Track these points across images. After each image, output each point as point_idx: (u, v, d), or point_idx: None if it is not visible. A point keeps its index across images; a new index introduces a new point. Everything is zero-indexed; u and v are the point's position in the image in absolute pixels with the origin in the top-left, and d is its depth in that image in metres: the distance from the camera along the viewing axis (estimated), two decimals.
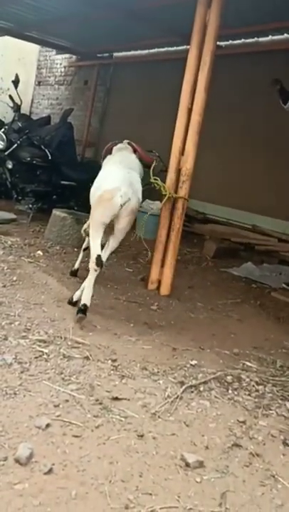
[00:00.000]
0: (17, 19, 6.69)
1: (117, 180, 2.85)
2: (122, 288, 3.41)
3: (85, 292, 2.67)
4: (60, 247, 4.09)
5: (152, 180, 3.46)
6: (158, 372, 2.14)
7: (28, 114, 8.62)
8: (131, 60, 7.50)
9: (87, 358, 2.16)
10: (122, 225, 2.87)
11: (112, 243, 2.93)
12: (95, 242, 2.74)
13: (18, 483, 1.33)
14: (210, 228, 5.89)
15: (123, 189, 2.80)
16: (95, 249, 2.71)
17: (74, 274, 3.41)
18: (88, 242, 3.10)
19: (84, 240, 3.35)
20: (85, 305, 2.60)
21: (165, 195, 3.33)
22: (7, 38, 7.81)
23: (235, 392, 2.06)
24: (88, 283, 2.68)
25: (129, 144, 3.41)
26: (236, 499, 1.43)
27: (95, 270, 2.68)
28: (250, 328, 3.03)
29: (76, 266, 3.40)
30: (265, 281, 4.26)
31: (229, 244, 5.36)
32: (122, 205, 2.76)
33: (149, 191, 3.73)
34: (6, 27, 7.24)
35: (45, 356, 2.09)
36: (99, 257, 2.67)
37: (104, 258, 2.79)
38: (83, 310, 2.59)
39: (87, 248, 3.14)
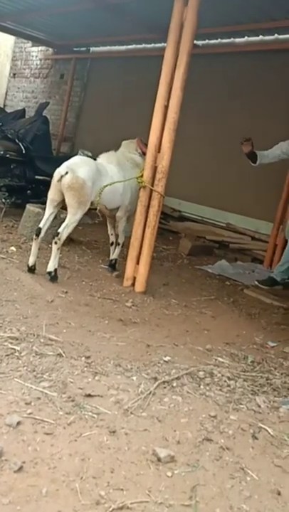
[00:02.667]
0: None
1: (65, 163, 3.29)
2: (97, 285, 3.40)
3: (50, 261, 3.25)
4: None
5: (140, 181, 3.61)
6: (131, 368, 2.14)
7: (1, 106, 8.43)
8: (108, 55, 7.45)
9: (60, 355, 2.14)
10: (67, 200, 3.23)
11: (67, 218, 3.27)
12: (44, 216, 3.38)
13: None
14: (185, 226, 5.95)
15: (62, 167, 3.23)
16: (41, 222, 3.36)
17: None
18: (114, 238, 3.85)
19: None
20: (50, 272, 3.22)
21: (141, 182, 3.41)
22: None
23: (207, 388, 2.09)
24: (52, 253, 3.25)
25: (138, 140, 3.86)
26: (206, 492, 1.46)
27: (55, 243, 3.21)
28: (223, 325, 3.09)
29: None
30: (239, 278, 4.34)
31: (204, 242, 5.44)
32: (58, 181, 3.21)
33: None
34: None
35: (17, 354, 2.06)
36: (38, 229, 3.33)
37: (60, 230, 3.23)
38: (52, 276, 3.22)
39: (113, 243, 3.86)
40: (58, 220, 3.53)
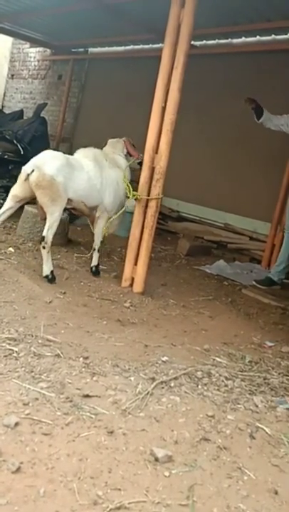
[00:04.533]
0: None
1: (32, 160, 3.23)
2: (96, 285, 3.41)
3: (43, 265, 3.25)
4: (33, 243, 4.03)
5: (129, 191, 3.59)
6: (129, 369, 2.15)
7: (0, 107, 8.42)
8: (106, 55, 7.46)
9: (58, 355, 2.14)
10: (39, 200, 3.18)
11: (47, 220, 3.21)
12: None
13: None
14: (184, 226, 5.96)
15: (28, 165, 3.16)
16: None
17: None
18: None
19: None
20: (46, 275, 3.22)
21: (135, 197, 3.38)
22: None
23: (205, 388, 2.10)
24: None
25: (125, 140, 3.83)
26: (203, 492, 1.47)
27: (43, 248, 3.21)
28: (221, 325, 3.09)
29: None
30: (237, 278, 4.35)
31: (202, 242, 5.45)
32: (25, 180, 3.14)
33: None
34: None
35: (15, 354, 2.06)
36: None
37: (44, 233, 3.19)
38: (50, 278, 3.22)
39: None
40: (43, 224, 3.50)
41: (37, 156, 3.26)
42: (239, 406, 2.00)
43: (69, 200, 3.29)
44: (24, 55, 9.38)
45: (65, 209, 3.45)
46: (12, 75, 9.64)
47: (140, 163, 3.74)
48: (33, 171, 3.10)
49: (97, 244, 3.63)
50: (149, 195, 3.36)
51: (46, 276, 3.21)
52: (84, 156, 3.49)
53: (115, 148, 3.74)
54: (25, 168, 3.15)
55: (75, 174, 3.27)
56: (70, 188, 3.23)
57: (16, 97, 9.49)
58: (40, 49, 8.79)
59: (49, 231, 3.18)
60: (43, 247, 3.18)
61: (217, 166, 5.83)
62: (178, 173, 5.21)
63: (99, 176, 3.45)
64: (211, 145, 5.90)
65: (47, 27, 6.93)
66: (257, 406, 2.01)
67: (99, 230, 3.62)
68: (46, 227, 3.19)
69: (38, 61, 9.01)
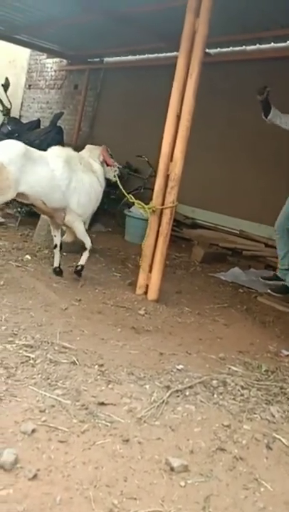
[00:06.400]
0: (6, 22, 6.70)
1: None
2: (110, 292, 3.43)
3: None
4: (49, 251, 4.08)
5: (130, 199, 3.59)
6: (144, 377, 2.15)
7: (17, 117, 8.60)
8: (121, 65, 7.56)
9: (73, 362, 2.16)
10: None
11: None
12: None
13: (3, 489, 1.33)
14: (198, 233, 5.95)
15: None
16: None
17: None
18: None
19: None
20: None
21: (149, 209, 3.39)
22: None
23: (221, 397, 2.08)
24: None
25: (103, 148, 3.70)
26: (219, 503, 1.45)
27: None
28: (237, 333, 3.07)
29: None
30: (252, 285, 4.32)
31: (217, 250, 5.42)
32: None
33: (140, 196, 3.76)
34: None
35: (31, 361, 2.09)
36: None
37: None
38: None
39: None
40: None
41: None
42: (255, 416, 1.97)
43: (23, 195, 3.15)
44: (41, 65, 9.59)
45: (26, 204, 3.36)
46: (29, 86, 9.85)
47: (120, 176, 3.74)
48: None
49: (88, 243, 3.51)
50: (163, 203, 3.37)
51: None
52: (55, 155, 3.35)
53: (91, 153, 3.63)
54: None
55: (34, 169, 3.11)
56: (24, 182, 3.07)
57: (33, 106, 9.68)
58: (57, 59, 8.98)
59: None
60: None
61: (232, 172, 5.82)
62: (193, 180, 5.21)
63: (66, 177, 3.31)
64: (225, 152, 5.89)
65: (63, 38, 7.08)
66: (274, 416, 1.99)
67: (80, 232, 3.49)
68: None
69: (55, 71, 9.19)
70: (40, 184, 3.15)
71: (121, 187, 3.71)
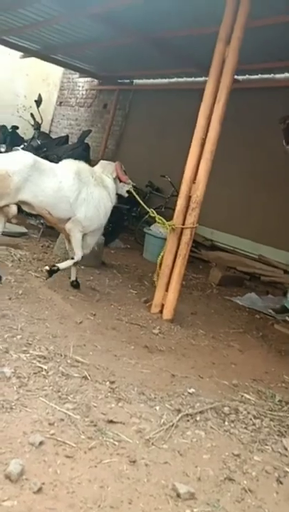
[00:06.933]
0: (44, 42, 7.02)
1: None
2: (125, 309, 3.43)
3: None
4: None
5: (151, 214, 3.60)
6: (155, 398, 2.13)
7: (47, 132, 8.88)
8: (150, 87, 7.76)
9: (85, 377, 2.16)
10: None
11: None
12: None
13: (7, 499, 1.32)
14: (216, 255, 5.93)
15: None
16: None
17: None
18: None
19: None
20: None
21: (169, 226, 3.39)
22: (33, 59, 8.15)
23: (232, 425, 2.04)
24: None
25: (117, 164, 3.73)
26: None
27: None
28: (251, 360, 3.01)
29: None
30: (269, 312, 4.24)
31: (235, 273, 5.38)
32: None
33: (161, 215, 3.78)
34: (34, 49, 7.58)
35: (44, 372, 2.10)
36: None
37: None
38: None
39: None
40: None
41: (7, 153, 3.25)
42: (267, 447, 1.92)
43: (29, 205, 3.22)
44: (73, 84, 9.93)
45: (32, 215, 3.44)
46: (60, 103, 10.19)
47: (128, 192, 3.74)
48: None
49: (77, 254, 3.44)
50: (184, 224, 3.39)
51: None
52: (66, 167, 3.41)
53: (104, 169, 3.66)
54: None
55: (40, 179, 3.17)
56: (29, 191, 3.13)
57: (63, 123, 9.98)
58: (88, 79, 9.29)
59: None
60: None
61: (253, 197, 5.82)
62: (213, 203, 5.23)
63: (75, 189, 3.34)
64: (248, 176, 5.92)
65: (96, 59, 7.35)
66: (286, 449, 1.93)
67: (76, 242, 3.44)
68: None
69: (86, 90, 9.49)
70: (45, 194, 3.20)
71: (140, 201, 3.74)
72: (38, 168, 3.19)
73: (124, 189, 3.73)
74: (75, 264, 3.53)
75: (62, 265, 3.43)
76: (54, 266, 3.40)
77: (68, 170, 3.39)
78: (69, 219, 3.41)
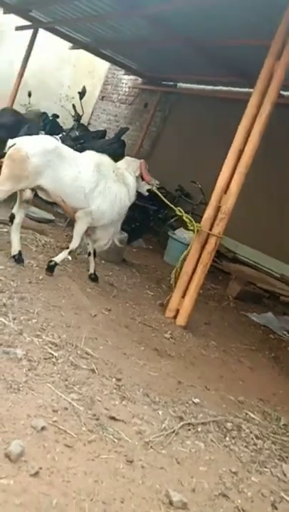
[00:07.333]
0: (95, 36, 7.11)
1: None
2: (140, 309, 3.43)
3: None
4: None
5: (178, 212, 3.56)
6: (159, 401, 2.12)
7: (86, 124, 8.98)
8: (193, 92, 7.74)
9: (93, 370, 2.17)
10: (2, 170, 3.06)
11: None
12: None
13: (5, 477, 1.35)
14: (238, 268, 5.85)
15: (11, 140, 3.06)
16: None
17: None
18: None
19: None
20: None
21: (193, 229, 3.36)
22: (81, 51, 8.25)
23: (233, 441, 2.01)
24: None
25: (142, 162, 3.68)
26: None
27: None
28: (260, 379, 2.96)
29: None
30: (283, 334, 4.17)
31: (254, 289, 5.31)
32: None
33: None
34: (84, 41, 7.69)
35: (54, 359, 2.12)
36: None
37: None
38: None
39: None
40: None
41: (32, 136, 3.26)
42: (266, 470, 1.88)
43: (45, 192, 3.18)
44: (117, 80, 10.01)
45: (48, 202, 3.40)
46: (103, 97, 10.29)
47: (149, 190, 3.66)
48: (14, 144, 3.00)
49: (74, 243, 3.36)
50: (209, 234, 3.36)
51: (13, 256, 3.15)
52: (88, 159, 3.35)
53: (128, 166, 3.59)
54: (8, 143, 3.06)
55: (60, 166, 3.12)
56: (47, 176, 3.07)
57: (102, 117, 10.08)
58: (132, 77, 9.34)
59: None
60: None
61: (281, 214, 5.73)
62: (241, 215, 5.17)
63: (93, 181, 3.28)
64: (275, 192, 5.83)
65: (142, 58, 7.39)
66: (285, 475, 1.89)
67: (79, 230, 3.36)
68: None
69: (129, 88, 9.56)
70: (61, 181, 3.15)
71: (165, 200, 3.66)
72: (59, 155, 3.14)
73: (144, 188, 3.67)
74: (78, 254, 3.51)
75: (58, 258, 3.31)
76: (51, 261, 3.28)
77: (89, 161, 3.33)
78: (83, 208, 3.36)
